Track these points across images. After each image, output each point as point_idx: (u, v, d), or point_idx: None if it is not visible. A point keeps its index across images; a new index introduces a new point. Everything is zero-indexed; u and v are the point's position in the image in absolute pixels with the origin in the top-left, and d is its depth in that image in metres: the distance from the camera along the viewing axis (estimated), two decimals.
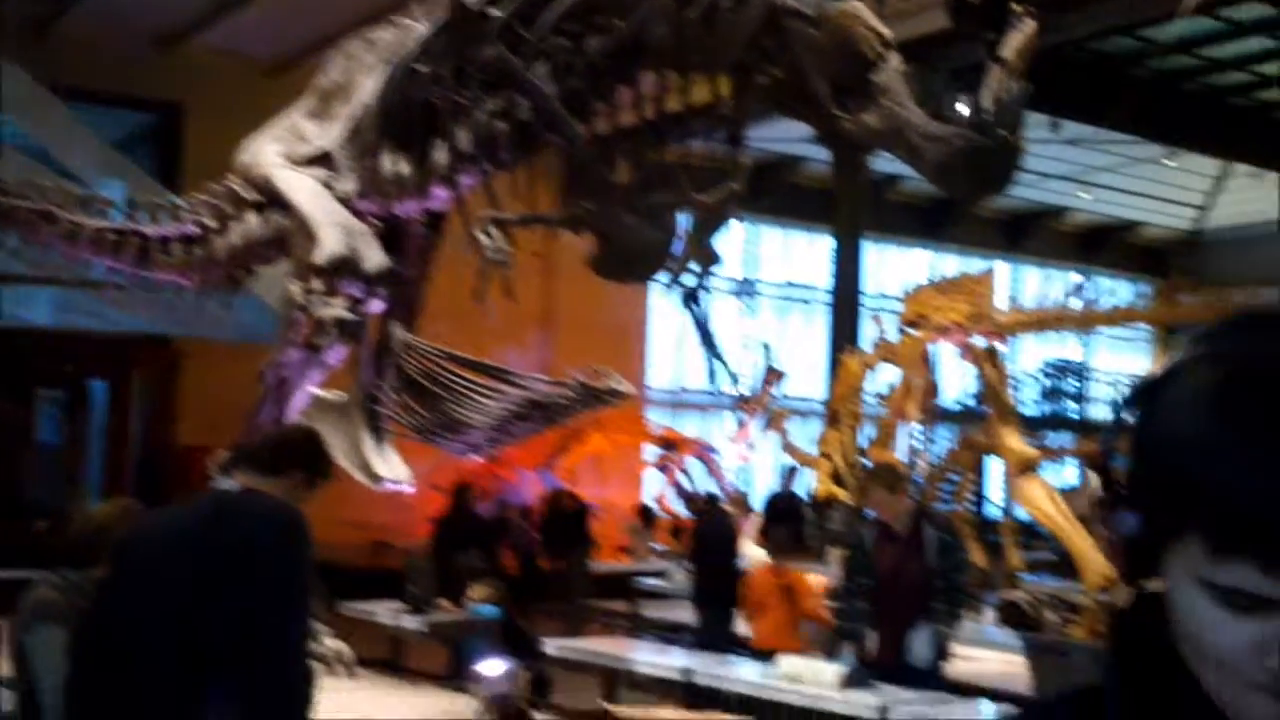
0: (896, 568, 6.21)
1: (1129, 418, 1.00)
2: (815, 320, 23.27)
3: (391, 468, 6.64)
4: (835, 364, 13.73)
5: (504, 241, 5.76)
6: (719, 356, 5.76)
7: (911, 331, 11.07)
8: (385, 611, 9.00)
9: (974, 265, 17.52)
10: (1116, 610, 1.09)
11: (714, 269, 5.79)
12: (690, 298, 5.81)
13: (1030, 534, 14.67)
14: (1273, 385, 0.92)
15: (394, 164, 6.25)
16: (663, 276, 5.88)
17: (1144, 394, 0.99)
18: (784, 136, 15.09)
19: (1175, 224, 25.75)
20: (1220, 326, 0.98)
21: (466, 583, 8.44)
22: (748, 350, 16.67)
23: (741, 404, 15.35)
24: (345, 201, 6.48)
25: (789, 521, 15.92)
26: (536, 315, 16.92)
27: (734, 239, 21.51)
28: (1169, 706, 1.00)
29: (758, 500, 15.28)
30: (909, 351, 11.03)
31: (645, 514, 17.13)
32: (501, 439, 6.34)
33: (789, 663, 6.31)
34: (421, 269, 6.88)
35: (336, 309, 6.26)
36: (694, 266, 5.80)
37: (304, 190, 6.59)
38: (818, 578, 9.57)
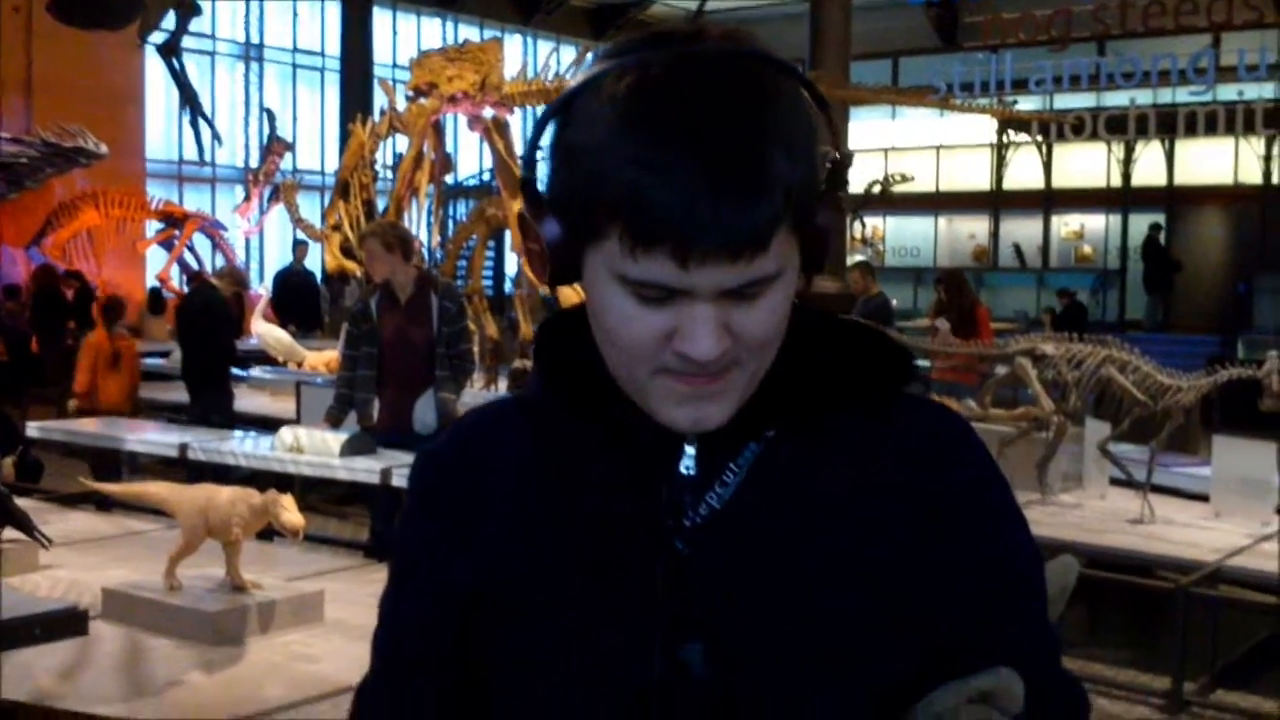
0: (400, 334, 6.14)
1: (539, 140, 1.06)
2: (327, 90, 22.52)
3: None
4: (345, 134, 13.32)
5: None
6: (203, 117, 5.36)
7: (420, 100, 10.83)
8: None
9: (488, 36, 17.36)
10: (541, 323, 1.19)
11: (189, 19, 5.32)
12: (168, 51, 5.33)
13: (547, 306, 15.08)
14: (673, 90, 0.97)
15: None
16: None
17: (561, 106, 1.03)
18: None
19: (683, 4, 26.55)
20: (628, 42, 1.02)
21: None
22: (253, 120, 15.87)
23: (247, 176, 14.66)
24: None
25: (300, 296, 15.64)
26: (17, 80, 15.38)
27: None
28: (587, 399, 1.11)
29: (268, 276, 14.82)
30: (417, 121, 10.81)
31: (152, 295, 16.25)
32: None
33: (290, 433, 6.17)
34: None
35: None
36: (172, 17, 5.31)
37: None
38: (333, 353, 9.46)
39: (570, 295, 7.00)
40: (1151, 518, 6.29)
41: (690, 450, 1.07)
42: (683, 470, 1.07)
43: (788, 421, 1.09)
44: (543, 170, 1.05)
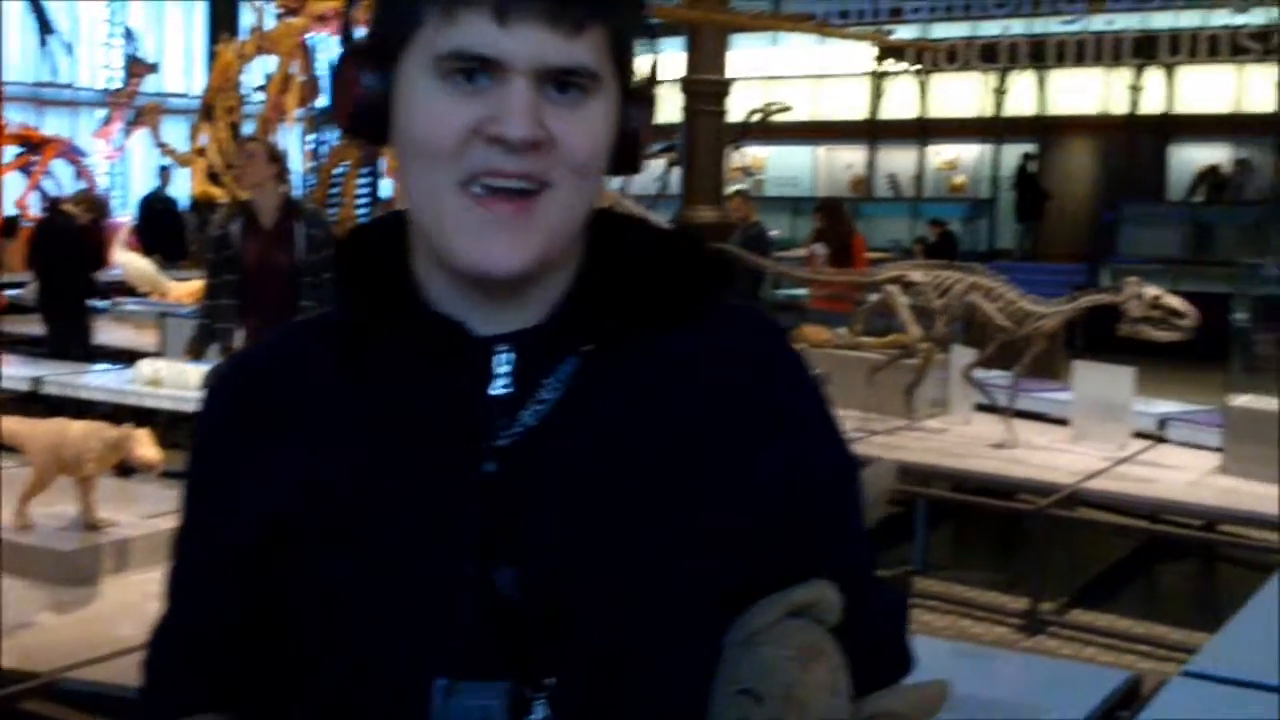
0: (263, 261, 5.98)
1: None
2: (193, 9, 21.81)
3: None
4: (212, 55, 12.94)
5: None
6: (51, 30, 5.13)
7: (289, 19, 10.53)
8: None
9: None
10: (342, 237, 1.14)
11: None
12: None
13: None
14: None
15: None
16: None
17: None
18: None
19: None
20: None
21: None
22: (114, 40, 15.33)
23: (109, 99, 14.16)
24: None
25: (165, 224, 15.22)
26: None
27: None
28: (394, 313, 1.07)
29: (132, 203, 14.38)
30: (285, 40, 10.52)
31: (8, 223, 15.67)
32: None
33: (150, 366, 6.02)
34: None
35: None
36: None
37: None
38: (199, 284, 9.20)
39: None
40: (1014, 442, 6.44)
41: (504, 366, 1.04)
42: (497, 388, 1.04)
43: (605, 335, 1.06)
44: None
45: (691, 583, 1.03)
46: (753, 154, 22.15)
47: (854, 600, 1.04)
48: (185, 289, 10.47)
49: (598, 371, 1.05)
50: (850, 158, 24.84)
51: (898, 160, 24.23)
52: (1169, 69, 20.70)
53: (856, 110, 24.33)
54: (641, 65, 1.08)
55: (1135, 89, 21.63)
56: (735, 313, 1.12)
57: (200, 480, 1.14)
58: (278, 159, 6.04)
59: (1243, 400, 6.13)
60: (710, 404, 1.06)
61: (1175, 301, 6.06)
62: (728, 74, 13.13)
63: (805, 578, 1.03)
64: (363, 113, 1.04)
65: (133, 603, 3.50)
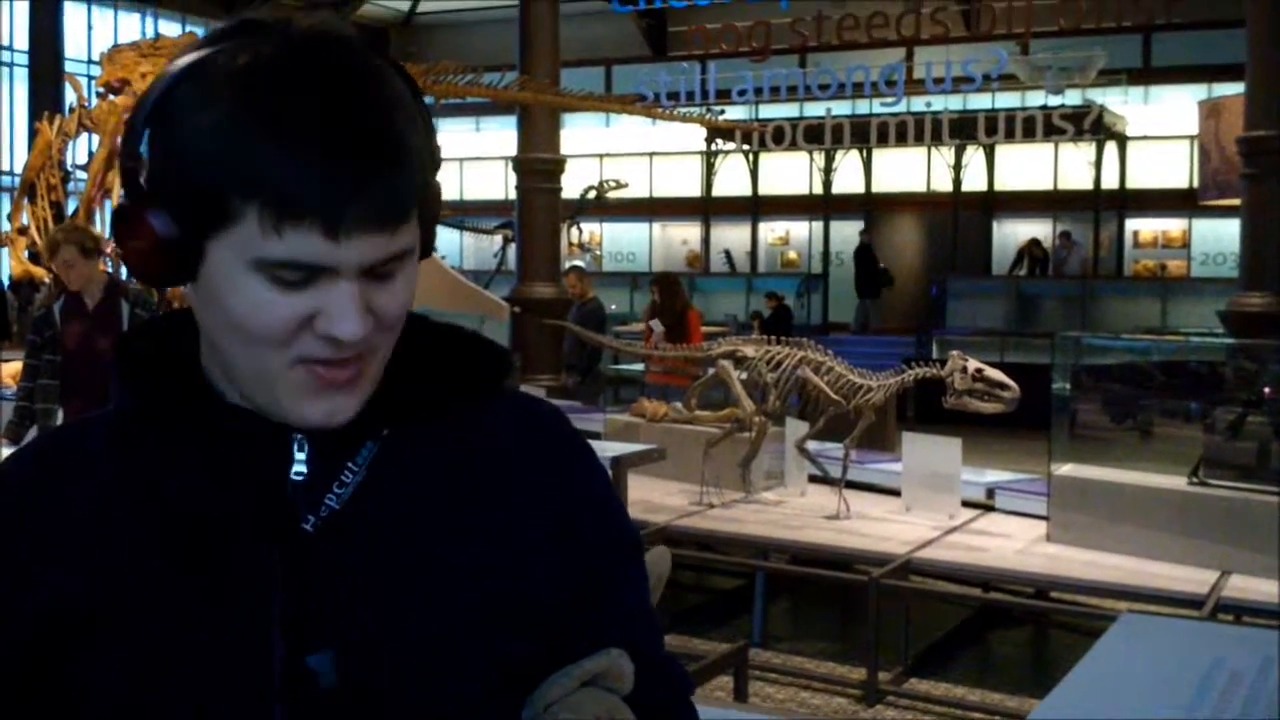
0: (85, 342, 5.82)
1: (142, 132, 0.99)
2: (16, 85, 21.23)
3: None
4: (33, 132, 12.58)
5: None
6: None
7: (112, 97, 10.32)
8: None
9: (189, 30, 16.64)
10: (122, 336, 1.12)
11: None
12: None
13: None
14: (295, 69, 0.96)
15: None
16: None
17: (162, 94, 0.99)
18: None
19: (394, 5, 26.23)
20: (222, 30, 1.01)
21: None
22: None
23: None
24: None
25: None
26: None
27: None
28: (182, 409, 1.05)
29: None
30: (109, 119, 10.29)
31: None
32: None
33: None
34: None
35: None
36: None
37: None
38: (19, 365, 8.85)
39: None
40: (847, 513, 6.55)
41: (300, 455, 1.05)
42: (294, 475, 1.04)
43: (402, 419, 1.08)
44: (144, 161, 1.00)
45: (491, 658, 1.05)
46: (589, 230, 22.31)
47: (644, 669, 1.07)
48: (8, 370, 10.06)
49: (396, 455, 1.07)
50: (685, 233, 25.25)
51: (731, 236, 24.70)
52: (989, 148, 21.53)
53: (691, 187, 24.78)
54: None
55: (957, 167, 22.46)
56: (521, 400, 1.18)
57: None
58: (95, 248, 5.90)
59: (1066, 469, 6.33)
60: (501, 484, 1.10)
61: (996, 375, 6.25)
62: (561, 152, 13.27)
63: (596, 650, 1.05)
64: (156, 262, 0.99)
65: None
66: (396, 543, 1.05)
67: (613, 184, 16.22)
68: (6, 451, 5.71)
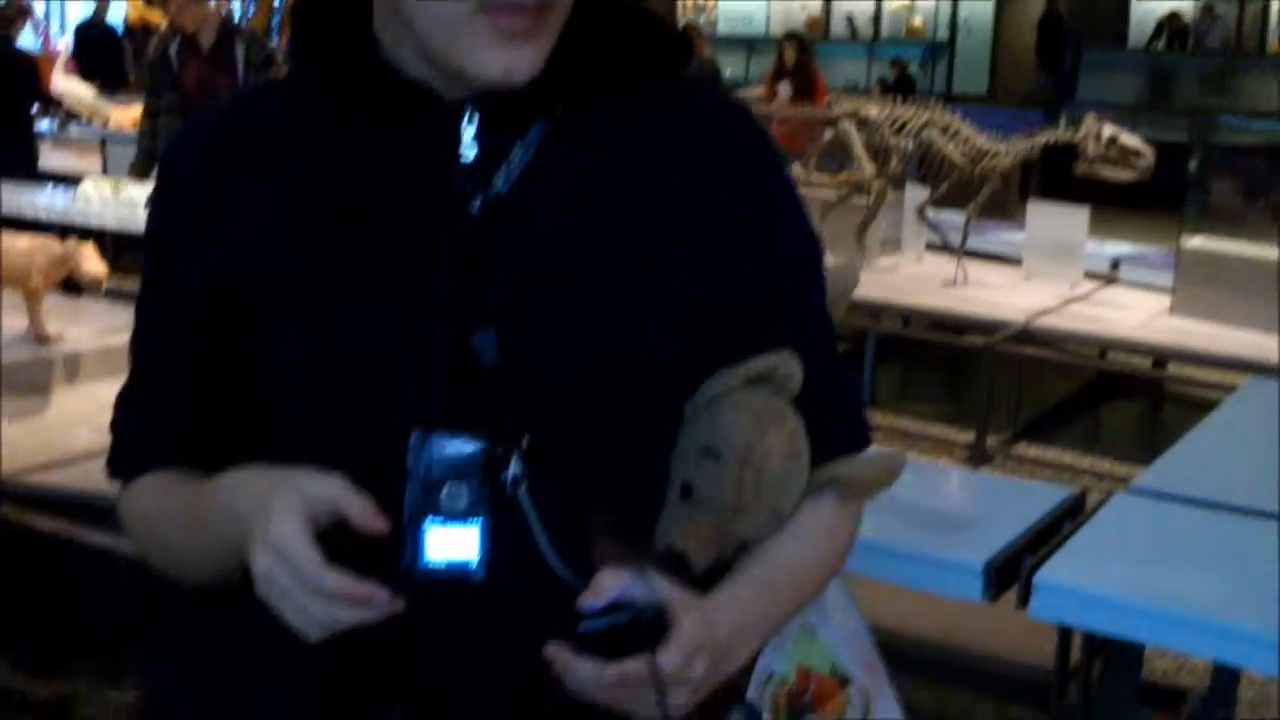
0: (204, 84, 5.86)
1: None
2: None
3: None
4: None
5: None
6: None
7: None
8: None
9: None
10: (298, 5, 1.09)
11: None
12: None
13: None
14: None
15: None
16: None
17: None
18: None
19: None
20: None
21: None
22: None
23: None
24: None
25: (103, 50, 14.79)
26: None
27: None
28: (357, 76, 1.04)
29: (68, 30, 13.96)
30: None
31: None
32: None
33: (94, 186, 5.92)
34: None
35: None
36: None
37: None
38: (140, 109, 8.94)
39: None
40: (965, 280, 6.46)
41: (470, 129, 1.03)
42: (465, 151, 1.03)
43: (574, 97, 1.05)
44: None
45: (657, 346, 1.04)
46: None
47: (814, 375, 1.06)
48: (127, 114, 10.22)
49: (566, 136, 1.04)
50: None
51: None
52: None
53: None
54: None
55: None
56: (701, 91, 1.13)
57: (156, 240, 1.13)
58: None
59: (1195, 242, 6.16)
60: (678, 175, 1.06)
61: (1132, 140, 6.04)
62: None
63: (767, 350, 1.04)
64: None
65: (87, 413, 3.49)
66: (562, 228, 1.03)
67: None
68: (135, 188, 5.84)
